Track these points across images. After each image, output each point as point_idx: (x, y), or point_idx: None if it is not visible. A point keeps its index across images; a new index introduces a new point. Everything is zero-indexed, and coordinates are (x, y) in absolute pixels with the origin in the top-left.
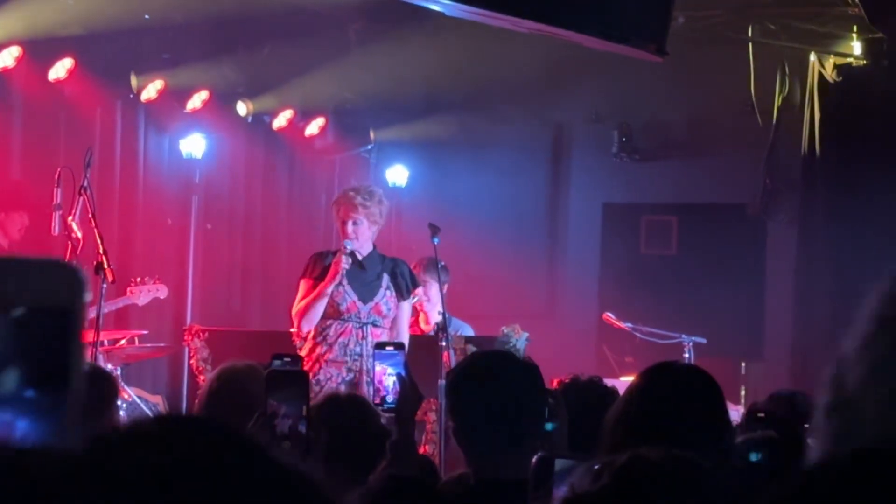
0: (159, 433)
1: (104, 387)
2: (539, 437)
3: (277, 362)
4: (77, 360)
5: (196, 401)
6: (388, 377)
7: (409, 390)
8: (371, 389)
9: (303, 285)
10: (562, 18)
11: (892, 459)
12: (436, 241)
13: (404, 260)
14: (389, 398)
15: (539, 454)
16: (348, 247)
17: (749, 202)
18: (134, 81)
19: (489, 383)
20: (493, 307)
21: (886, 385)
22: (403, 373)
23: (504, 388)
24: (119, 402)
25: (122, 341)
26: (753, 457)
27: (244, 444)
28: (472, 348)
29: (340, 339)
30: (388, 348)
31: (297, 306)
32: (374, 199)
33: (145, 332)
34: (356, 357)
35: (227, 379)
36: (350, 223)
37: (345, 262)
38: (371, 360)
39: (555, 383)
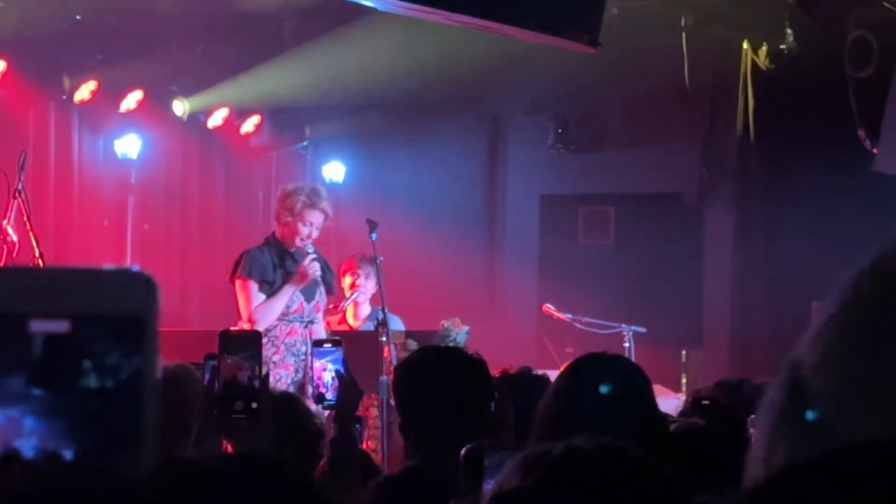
0: (227, 472)
1: None
2: (484, 430)
3: (211, 363)
4: (152, 369)
5: None
6: (326, 374)
7: (349, 386)
8: (311, 387)
9: (251, 286)
10: (493, 11)
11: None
12: (374, 236)
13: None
14: (329, 395)
15: (467, 446)
16: (310, 250)
17: (686, 191)
18: (66, 82)
19: (435, 377)
20: (433, 301)
21: (839, 370)
22: (342, 369)
23: (450, 382)
24: None
25: None
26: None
27: (313, 491)
28: (412, 343)
29: (287, 340)
30: (326, 345)
31: (256, 307)
32: (328, 200)
33: None
34: (303, 357)
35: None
36: (310, 226)
37: (315, 269)
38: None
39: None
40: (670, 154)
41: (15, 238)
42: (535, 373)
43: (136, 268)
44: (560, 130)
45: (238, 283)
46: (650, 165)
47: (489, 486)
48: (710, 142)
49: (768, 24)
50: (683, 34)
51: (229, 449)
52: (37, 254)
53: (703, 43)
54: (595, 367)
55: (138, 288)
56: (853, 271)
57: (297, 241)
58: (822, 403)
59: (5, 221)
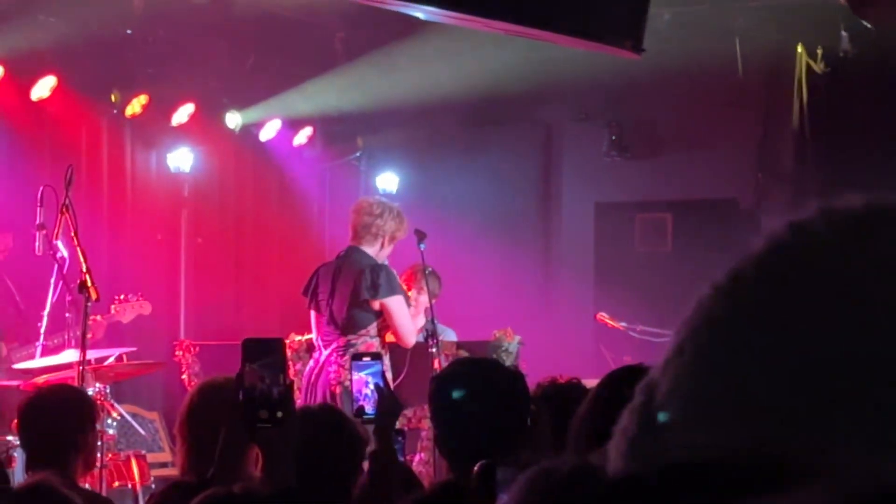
0: None
1: (84, 411)
2: (521, 444)
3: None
4: None
5: (178, 417)
6: (366, 388)
7: (388, 400)
8: (350, 401)
9: (404, 302)
10: (536, 18)
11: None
12: (422, 247)
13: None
14: (369, 409)
15: (481, 462)
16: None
17: (742, 196)
18: (115, 97)
19: (470, 390)
20: (487, 310)
21: (686, 395)
22: (381, 383)
23: (485, 395)
24: (109, 421)
25: (111, 359)
26: None
27: None
28: (464, 353)
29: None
30: (365, 359)
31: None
32: None
33: (133, 348)
34: None
35: (206, 394)
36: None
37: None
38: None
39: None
40: (726, 159)
41: (65, 253)
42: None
43: None
44: (614, 137)
45: (394, 300)
46: (706, 171)
47: (503, 501)
48: (765, 146)
49: (823, 26)
50: (737, 38)
51: (258, 457)
52: (84, 269)
53: (757, 47)
54: (631, 378)
55: None
56: (707, 290)
57: (383, 260)
58: (669, 431)
59: (55, 238)
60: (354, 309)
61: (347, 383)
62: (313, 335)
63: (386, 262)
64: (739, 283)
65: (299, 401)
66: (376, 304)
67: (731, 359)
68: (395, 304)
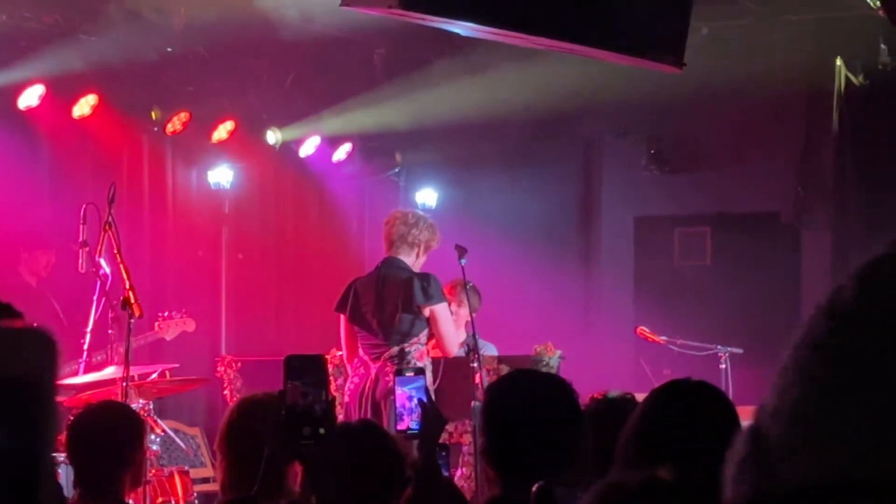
0: None
1: (132, 427)
2: (571, 461)
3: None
4: (47, 431)
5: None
6: (409, 402)
7: (432, 415)
8: (394, 416)
9: (448, 310)
10: (576, 34)
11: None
12: (463, 262)
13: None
14: (412, 424)
15: (538, 483)
16: None
17: (782, 210)
18: (156, 114)
19: (520, 402)
20: (528, 325)
21: (794, 416)
22: (425, 398)
23: (539, 408)
24: (152, 437)
25: (153, 375)
26: None
27: None
28: (504, 368)
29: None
30: (408, 374)
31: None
32: None
33: (176, 364)
34: None
35: (245, 410)
36: None
37: None
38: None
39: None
40: (765, 173)
41: (108, 270)
42: (625, 396)
43: (38, 328)
44: (653, 152)
45: (444, 307)
46: (745, 185)
47: None
48: (805, 160)
49: (861, 39)
50: (776, 52)
51: (299, 473)
52: (127, 286)
53: (796, 60)
54: (678, 393)
55: (36, 349)
56: (813, 312)
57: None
58: (777, 450)
59: (98, 254)
60: (407, 316)
61: None
62: (343, 350)
63: None
64: (841, 305)
65: (351, 415)
66: (427, 311)
67: (843, 383)
68: (444, 312)
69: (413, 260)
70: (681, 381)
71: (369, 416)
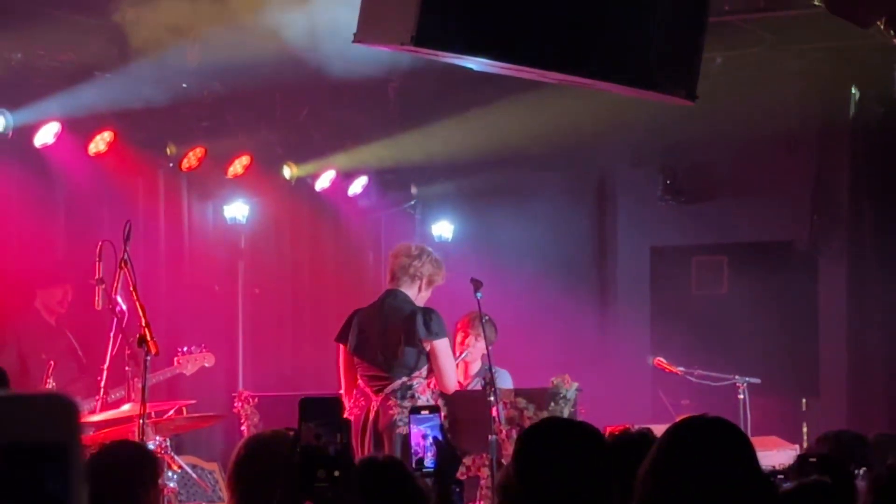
0: None
1: (147, 467)
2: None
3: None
4: (77, 494)
5: (226, 471)
6: (424, 440)
7: (447, 452)
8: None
9: (449, 346)
10: (588, 68)
11: None
12: (479, 295)
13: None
14: (427, 461)
15: None
16: None
17: (798, 238)
18: (171, 150)
19: (556, 454)
20: (545, 356)
21: None
22: (440, 436)
23: (573, 457)
24: (170, 474)
25: (170, 412)
26: None
27: None
28: (521, 401)
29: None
30: (423, 412)
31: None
32: None
33: (193, 401)
34: None
35: (252, 448)
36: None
37: None
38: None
39: (607, 432)
40: (781, 201)
41: (124, 307)
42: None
43: (57, 393)
44: (668, 182)
45: (445, 342)
46: (761, 214)
47: None
48: (820, 188)
49: (876, 69)
50: (790, 81)
51: None
52: (143, 323)
53: (811, 89)
54: (694, 430)
55: (58, 413)
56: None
57: (422, 304)
58: None
59: (114, 292)
60: (409, 347)
61: None
62: (342, 381)
63: None
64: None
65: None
66: (427, 346)
67: None
68: (444, 347)
69: (415, 293)
70: (696, 418)
71: (370, 449)
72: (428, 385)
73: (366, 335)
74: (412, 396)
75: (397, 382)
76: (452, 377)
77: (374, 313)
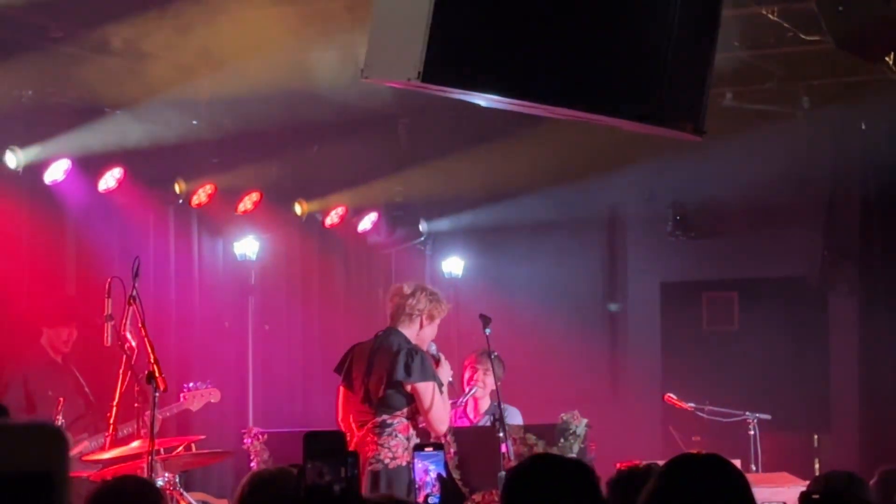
0: None
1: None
2: None
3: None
4: None
5: None
6: (427, 476)
7: (450, 490)
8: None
9: (436, 389)
10: (595, 103)
11: None
12: (488, 331)
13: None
14: (432, 499)
15: None
16: (433, 350)
17: (809, 275)
18: (180, 187)
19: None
20: (555, 392)
21: None
22: (444, 473)
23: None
24: None
25: (180, 448)
26: None
27: None
28: (531, 437)
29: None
30: (427, 449)
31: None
32: None
33: (202, 437)
34: None
35: (256, 485)
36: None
37: (450, 373)
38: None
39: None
40: (791, 237)
41: (133, 343)
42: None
43: (45, 422)
44: (678, 217)
45: (426, 386)
46: (772, 249)
47: None
48: (831, 224)
49: (887, 103)
50: (800, 116)
51: None
52: (152, 359)
53: (822, 124)
54: (690, 467)
55: (45, 443)
56: None
57: (427, 344)
58: None
59: (123, 329)
60: (390, 389)
61: (387, 461)
62: (339, 412)
63: (433, 345)
64: None
65: None
66: (408, 388)
67: None
68: (426, 390)
69: (416, 330)
70: (693, 455)
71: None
72: (416, 424)
73: (355, 371)
74: (390, 434)
75: (377, 420)
76: (440, 418)
77: (366, 350)
